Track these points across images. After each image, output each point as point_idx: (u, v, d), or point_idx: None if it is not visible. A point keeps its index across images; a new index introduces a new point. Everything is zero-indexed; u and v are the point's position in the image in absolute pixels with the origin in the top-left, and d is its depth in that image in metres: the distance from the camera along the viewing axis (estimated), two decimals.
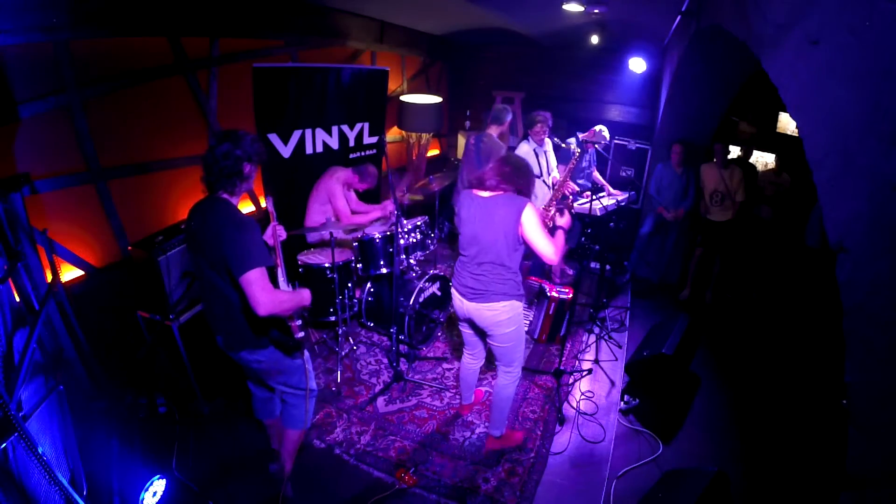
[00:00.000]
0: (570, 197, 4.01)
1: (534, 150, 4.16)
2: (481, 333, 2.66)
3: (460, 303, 2.54)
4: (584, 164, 4.86)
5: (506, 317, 2.43)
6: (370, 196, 4.52)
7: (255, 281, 1.84)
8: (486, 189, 2.41)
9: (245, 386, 2.49)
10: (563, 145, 4.36)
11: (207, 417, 2.91)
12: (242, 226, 1.90)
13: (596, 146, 4.78)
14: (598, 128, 4.69)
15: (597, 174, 5.10)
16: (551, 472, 2.76)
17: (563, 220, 2.53)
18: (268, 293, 1.87)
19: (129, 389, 2.71)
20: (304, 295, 2.11)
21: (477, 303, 2.44)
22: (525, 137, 4.31)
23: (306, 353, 2.35)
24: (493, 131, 4.25)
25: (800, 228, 4.62)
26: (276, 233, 2.43)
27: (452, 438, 2.95)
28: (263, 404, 2.52)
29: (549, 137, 4.31)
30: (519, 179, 2.39)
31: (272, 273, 2.08)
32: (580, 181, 4.85)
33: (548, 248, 2.28)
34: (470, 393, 3.08)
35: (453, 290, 2.60)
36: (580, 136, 4.78)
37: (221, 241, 1.88)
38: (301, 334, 2.16)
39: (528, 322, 4.10)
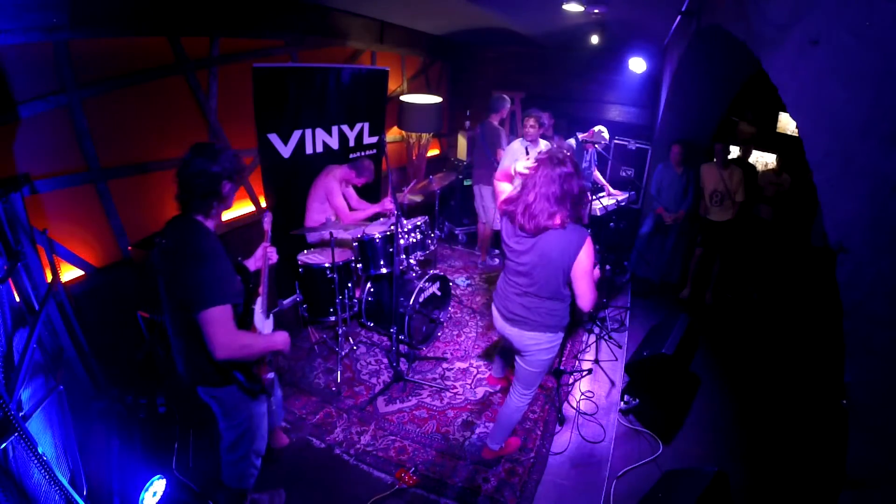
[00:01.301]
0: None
1: (525, 149, 4.17)
2: (516, 351, 2.50)
3: (502, 326, 2.41)
4: (584, 164, 4.87)
5: (547, 345, 2.32)
6: (370, 194, 4.52)
7: (214, 320, 1.63)
8: (537, 227, 2.09)
9: None
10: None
11: (207, 417, 2.90)
12: (206, 257, 1.69)
13: (596, 146, 4.78)
14: (597, 128, 4.69)
15: (597, 174, 5.10)
16: (551, 472, 2.76)
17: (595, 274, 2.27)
18: (228, 335, 1.65)
19: (129, 389, 2.70)
20: (278, 339, 1.88)
21: (521, 329, 2.31)
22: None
23: (266, 405, 2.10)
24: (494, 119, 4.82)
25: (801, 228, 4.63)
26: (266, 255, 2.25)
27: (452, 438, 2.95)
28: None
29: (549, 137, 4.32)
30: (567, 202, 2.07)
31: (247, 308, 1.89)
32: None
33: (588, 295, 2.12)
34: (500, 367, 3.18)
35: (495, 310, 2.46)
36: (579, 136, 4.79)
37: (184, 271, 1.68)
38: (270, 375, 1.96)
39: None
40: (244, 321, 1.91)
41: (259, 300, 2.08)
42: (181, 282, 1.69)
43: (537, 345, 2.32)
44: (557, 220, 2.08)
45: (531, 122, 4.17)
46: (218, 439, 2.09)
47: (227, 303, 1.68)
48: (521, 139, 4.31)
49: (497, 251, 5.57)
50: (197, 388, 1.94)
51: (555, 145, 2.20)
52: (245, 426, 2.01)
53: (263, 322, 2.09)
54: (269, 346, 1.86)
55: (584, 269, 2.10)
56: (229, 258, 1.81)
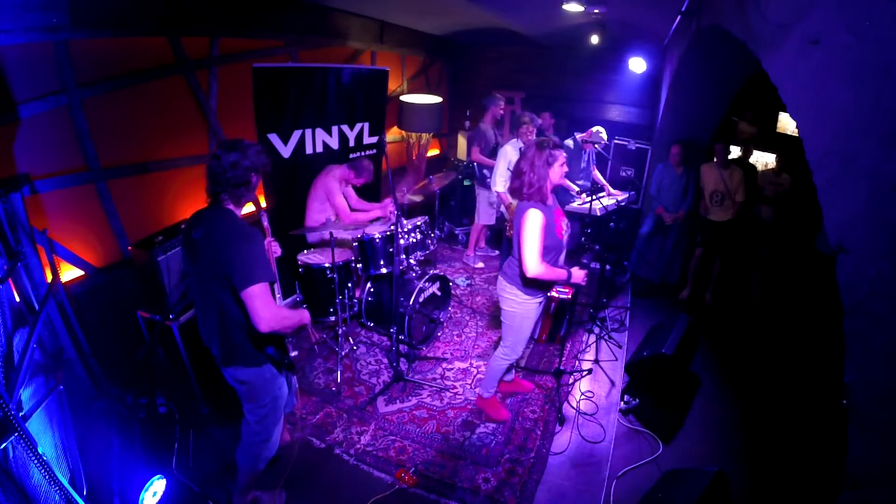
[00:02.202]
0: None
1: (519, 150, 4.18)
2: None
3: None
4: (583, 164, 4.86)
5: (510, 297, 2.67)
6: (370, 194, 4.52)
7: (258, 295, 1.81)
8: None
9: None
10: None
11: (207, 417, 2.91)
12: (250, 238, 1.88)
13: (596, 146, 4.78)
14: (595, 129, 4.69)
15: (597, 174, 5.10)
16: (551, 472, 2.76)
17: (578, 274, 2.59)
18: (271, 308, 1.84)
19: (129, 389, 2.70)
20: (305, 314, 2.06)
21: (499, 277, 2.77)
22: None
23: (286, 389, 2.26)
24: (487, 119, 5.02)
25: (801, 229, 4.62)
26: (270, 249, 2.39)
27: (452, 438, 2.95)
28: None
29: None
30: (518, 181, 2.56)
31: (272, 288, 2.03)
32: (579, 182, 4.85)
33: (530, 258, 2.44)
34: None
35: None
36: (577, 136, 4.78)
37: (228, 253, 1.85)
38: (294, 353, 2.13)
39: None
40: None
41: (276, 286, 2.25)
42: (226, 261, 1.84)
43: (501, 290, 2.72)
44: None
45: (523, 128, 4.26)
46: (240, 423, 2.25)
47: (268, 280, 1.85)
48: (515, 140, 4.34)
49: (488, 251, 5.58)
50: (226, 371, 2.09)
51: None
52: (269, 408, 2.16)
53: (281, 304, 2.26)
54: (301, 320, 2.02)
55: (521, 237, 2.47)
56: (262, 242, 1.98)
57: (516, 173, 2.58)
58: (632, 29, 4.94)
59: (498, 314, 2.88)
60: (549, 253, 2.54)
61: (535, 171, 2.49)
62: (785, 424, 3.19)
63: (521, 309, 2.68)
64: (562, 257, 2.67)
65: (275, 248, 2.43)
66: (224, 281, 1.87)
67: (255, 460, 2.27)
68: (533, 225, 2.44)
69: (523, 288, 2.62)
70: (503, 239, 4.58)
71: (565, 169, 2.56)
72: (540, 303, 2.74)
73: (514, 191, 2.61)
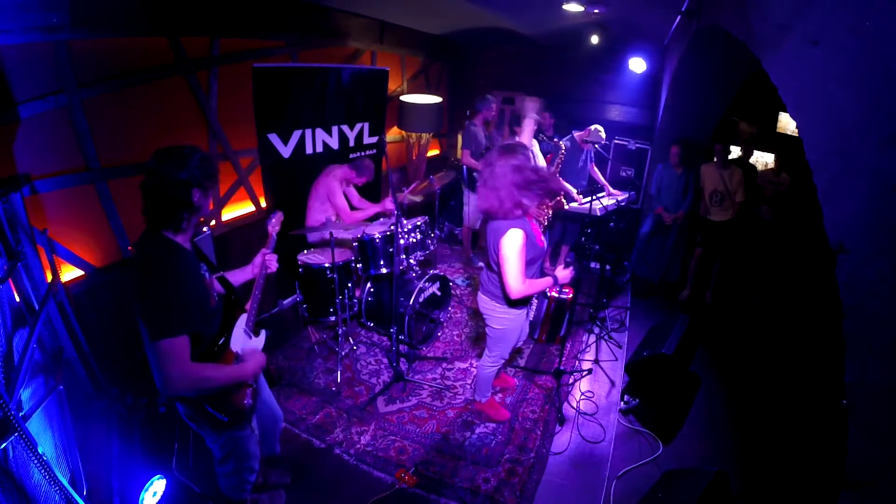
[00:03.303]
0: (561, 194, 4.01)
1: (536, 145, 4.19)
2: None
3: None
4: (580, 164, 4.86)
5: (492, 313, 2.63)
6: (371, 193, 4.52)
7: (163, 353, 1.46)
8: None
9: None
10: (545, 138, 4.35)
11: None
12: (165, 280, 1.51)
13: (596, 146, 4.77)
14: (593, 127, 4.68)
15: (597, 173, 5.09)
16: (551, 472, 2.76)
17: (563, 274, 2.55)
18: (180, 369, 1.48)
19: (129, 389, 2.70)
20: (247, 368, 1.68)
21: (480, 293, 2.71)
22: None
23: (248, 429, 1.96)
24: (477, 120, 5.01)
25: (801, 229, 4.62)
26: (264, 263, 2.08)
27: (452, 438, 2.95)
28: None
29: (549, 137, 4.32)
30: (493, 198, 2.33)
31: (230, 318, 1.71)
32: (580, 182, 4.85)
33: (513, 281, 2.31)
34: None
35: None
36: (576, 135, 4.78)
37: (138, 293, 1.51)
38: (249, 402, 1.75)
39: (528, 322, 4.10)
40: (212, 350, 1.73)
41: (243, 317, 1.87)
42: (137, 305, 1.51)
43: (490, 310, 2.64)
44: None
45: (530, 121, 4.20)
46: (210, 454, 2.02)
47: (183, 333, 1.51)
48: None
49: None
50: (175, 405, 1.81)
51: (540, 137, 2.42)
52: (229, 447, 1.92)
53: (246, 341, 1.86)
54: (236, 377, 1.66)
55: (501, 259, 2.33)
56: (195, 282, 1.62)
57: (482, 188, 2.35)
58: (632, 29, 4.93)
59: None
60: (532, 265, 2.47)
61: (503, 187, 2.25)
62: (785, 424, 3.19)
63: (511, 323, 2.65)
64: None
65: (270, 264, 2.10)
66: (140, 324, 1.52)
67: (235, 490, 2.07)
68: (513, 246, 2.27)
69: (510, 304, 2.54)
70: None
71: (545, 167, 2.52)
72: (527, 309, 2.72)
73: (486, 212, 2.38)
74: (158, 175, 1.55)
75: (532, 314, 3.99)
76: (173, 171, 1.55)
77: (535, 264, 2.52)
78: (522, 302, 2.57)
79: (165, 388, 1.49)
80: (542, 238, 2.57)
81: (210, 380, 1.59)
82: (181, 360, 1.49)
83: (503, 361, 2.90)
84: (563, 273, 2.56)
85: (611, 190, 4.96)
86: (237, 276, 2.12)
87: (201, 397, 1.68)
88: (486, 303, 2.65)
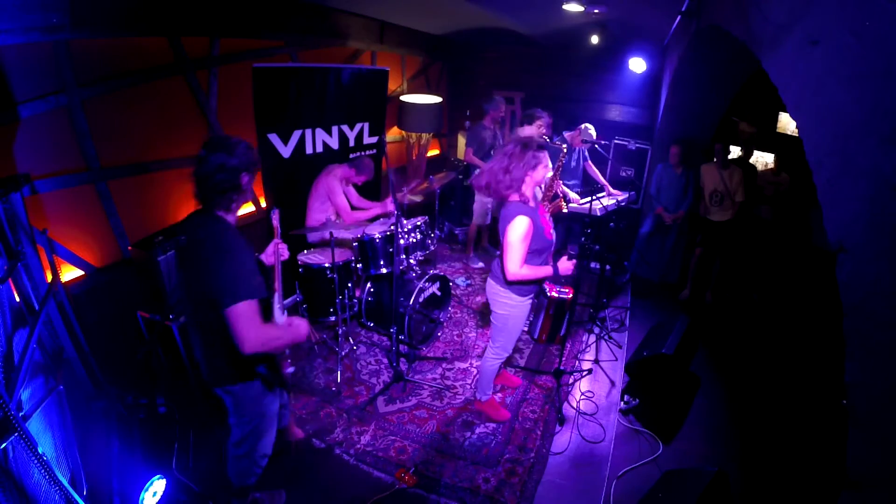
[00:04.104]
0: (561, 196, 4.02)
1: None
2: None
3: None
4: (573, 164, 4.85)
5: (500, 299, 2.66)
6: (371, 193, 4.52)
7: (241, 315, 1.64)
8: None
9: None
10: (546, 139, 4.36)
11: (207, 417, 2.90)
12: (232, 252, 1.71)
13: (596, 146, 4.77)
14: (583, 126, 4.69)
15: (596, 173, 5.09)
16: (551, 472, 2.76)
17: (565, 265, 2.58)
18: (255, 329, 1.67)
19: (129, 389, 2.70)
20: (301, 329, 1.87)
21: (489, 278, 2.77)
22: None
23: (278, 405, 2.14)
24: (486, 121, 5.02)
25: (801, 228, 4.62)
26: (277, 251, 2.23)
27: (452, 438, 2.95)
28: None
29: (549, 137, 4.33)
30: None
31: (267, 302, 1.86)
32: (571, 181, 4.86)
33: (511, 263, 2.43)
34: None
35: None
36: (566, 135, 4.78)
37: (209, 267, 1.70)
38: (290, 370, 1.96)
39: (527, 322, 4.09)
40: (267, 315, 1.89)
41: (276, 295, 2.04)
42: (207, 278, 1.70)
43: (495, 294, 2.69)
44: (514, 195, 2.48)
45: (542, 126, 4.26)
46: (226, 434, 2.12)
47: (254, 297, 1.69)
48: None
49: (491, 250, 5.57)
50: (216, 390, 1.97)
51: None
52: (254, 423, 2.05)
53: (280, 317, 2.05)
54: (294, 338, 1.86)
55: (505, 242, 2.46)
56: (252, 253, 1.83)
57: (489, 169, 2.52)
58: (632, 29, 4.93)
59: None
60: (540, 255, 2.55)
61: (512, 171, 2.44)
62: (785, 424, 3.19)
63: (515, 311, 2.69)
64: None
65: (283, 252, 2.25)
66: (206, 296, 1.70)
67: (243, 475, 2.18)
68: (518, 232, 2.40)
69: (516, 289, 2.61)
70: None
71: (549, 172, 2.57)
72: (532, 301, 2.76)
73: (481, 188, 2.55)
74: (210, 162, 1.72)
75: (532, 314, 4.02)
76: (225, 157, 1.72)
77: (541, 256, 2.58)
78: (531, 286, 2.62)
79: (243, 347, 1.65)
80: (552, 231, 2.62)
81: (278, 338, 1.78)
82: (255, 321, 1.68)
83: (506, 356, 2.92)
84: (566, 264, 2.59)
85: (611, 190, 4.96)
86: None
87: (258, 360, 1.89)
88: (492, 287, 2.72)
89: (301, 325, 1.89)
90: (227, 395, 1.99)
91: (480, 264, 5.35)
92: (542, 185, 4.23)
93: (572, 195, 4.66)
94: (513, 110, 6.48)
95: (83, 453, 2.07)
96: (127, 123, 3.05)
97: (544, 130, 4.28)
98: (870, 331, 1.23)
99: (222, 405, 2.05)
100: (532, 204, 2.53)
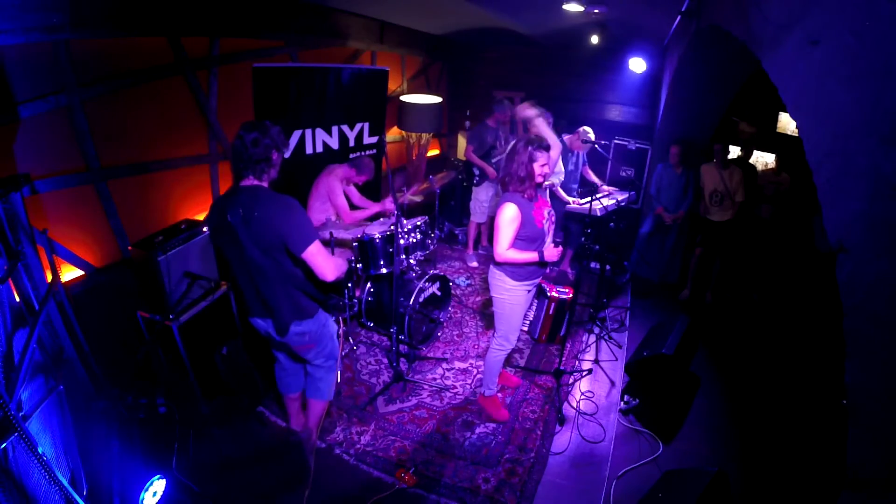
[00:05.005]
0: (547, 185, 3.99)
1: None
2: None
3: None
4: (570, 167, 4.85)
5: (498, 283, 2.75)
6: (371, 193, 4.52)
7: (317, 252, 2.06)
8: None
9: (245, 385, 2.49)
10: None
11: (207, 417, 2.91)
12: (293, 206, 2.08)
13: (596, 146, 4.77)
14: (582, 129, 4.69)
15: (591, 174, 5.10)
16: (551, 472, 2.76)
17: (550, 252, 2.63)
18: (331, 260, 2.10)
19: (130, 390, 2.70)
20: (346, 256, 2.33)
21: (490, 266, 2.84)
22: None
23: (335, 324, 2.55)
24: (490, 121, 5.05)
25: (801, 229, 4.62)
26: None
27: (452, 438, 2.95)
28: (292, 377, 2.70)
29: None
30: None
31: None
32: (572, 185, 4.86)
33: (498, 244, 2.59)
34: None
35: None
36: (566, 138, 4.77)
37: (277, 224, 2.03)
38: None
39: (527, 322, 4.10)
40: None
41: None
42: (279, 232, 2.04)
43: (490, 277, 2.80)
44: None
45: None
46: (309, 365, 2.56)
47: (319, 238, 2.11)
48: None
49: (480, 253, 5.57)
50: (291, 328, 2.28)
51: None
52: (329, 347, 2.50)
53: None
54: (346, 261, 2.32)
55: (495, 223, 2.61)
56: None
57: (504, 167, 2.70)
58: (632, 29, 4.93)
59: None
60: (530, 244, 2.63)
61: (515, 163, 2.60)
62: (785, 424, 3.19)
63: (509, 296, 2.74)
64: (548, 240, 2.74)
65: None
66: (281, 249, 2.08)
67: (331, 389, 2.64)
68: (505, 216, 2.55)
69: (508, 272, 2.68)
70: None
71: (546, 170, 2.61)
72: (529, 291, 2.79)
73: (501, 181, 2.75)
74: (246, 138, 2.02)
75: (532, 314, 4.02)
76: (259, 135, 2.04)
77: (532, 244, 2.64)
78: (524, 272, 2.70)
79: (326, 276, 2.10)
80: (543, 221, 2.66)
81: (342, 264, 2.21)
82: (328, 254, 2.13)
83: (510, 347, 2.93)
84: (552, 251, 2.64)
85: (605, 188, 4.96)
86: None
87: (334, 290, 2.36)
88: (493, 272, 2.80)
89: (345, 253, 2.40)
90: (301, 338, 2.33)
91: (475, 263, 5.35)
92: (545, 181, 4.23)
93: (565, 196, 4.66)
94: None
95: (83, 453, 2.07)
96: (127, 123, 3.05)
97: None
98: (870, 331, 1.23)
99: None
100: (527, 196, 2.62)
